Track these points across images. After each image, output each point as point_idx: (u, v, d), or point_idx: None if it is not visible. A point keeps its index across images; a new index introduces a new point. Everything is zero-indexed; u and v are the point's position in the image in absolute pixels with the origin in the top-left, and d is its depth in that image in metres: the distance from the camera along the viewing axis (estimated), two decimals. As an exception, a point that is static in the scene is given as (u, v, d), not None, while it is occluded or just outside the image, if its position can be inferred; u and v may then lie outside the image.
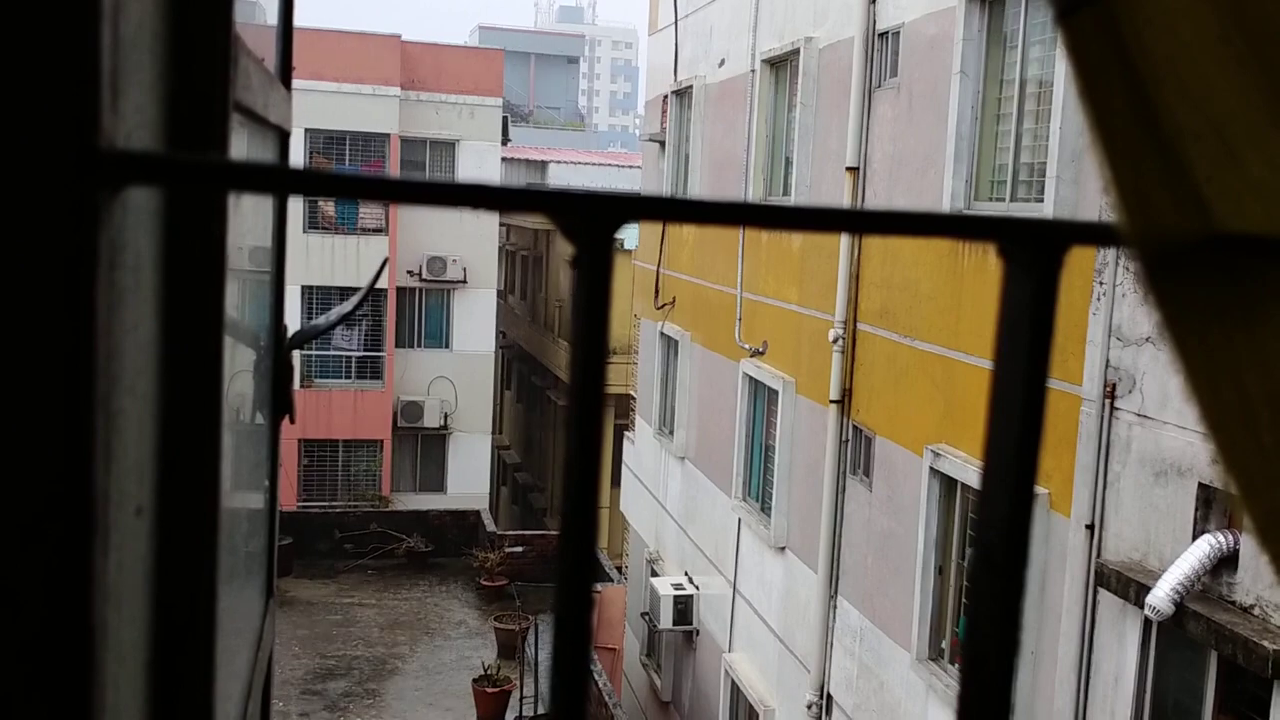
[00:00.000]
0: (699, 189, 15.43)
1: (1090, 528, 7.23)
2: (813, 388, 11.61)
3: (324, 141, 27.27)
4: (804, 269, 11.91)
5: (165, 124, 0.92)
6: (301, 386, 26.18)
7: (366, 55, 27.04)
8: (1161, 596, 6.21)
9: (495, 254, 29.95)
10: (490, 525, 25.36)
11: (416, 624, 21.78)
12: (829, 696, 11.22)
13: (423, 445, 28.71)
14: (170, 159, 0.64)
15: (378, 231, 27.25)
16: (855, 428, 10.79)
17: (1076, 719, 7.32)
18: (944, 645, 9.37)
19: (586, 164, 36.45)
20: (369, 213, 27.31)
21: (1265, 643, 5.74)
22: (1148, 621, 6.63)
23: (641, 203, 0.53)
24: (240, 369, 1.57)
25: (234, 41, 1.09)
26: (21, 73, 0.56)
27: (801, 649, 11.77)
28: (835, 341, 10.89)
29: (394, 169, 27.40)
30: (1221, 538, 6.15)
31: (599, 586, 19.21)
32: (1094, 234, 0.57)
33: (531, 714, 17.68)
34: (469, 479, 28.70)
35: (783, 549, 12.42)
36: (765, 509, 13.03)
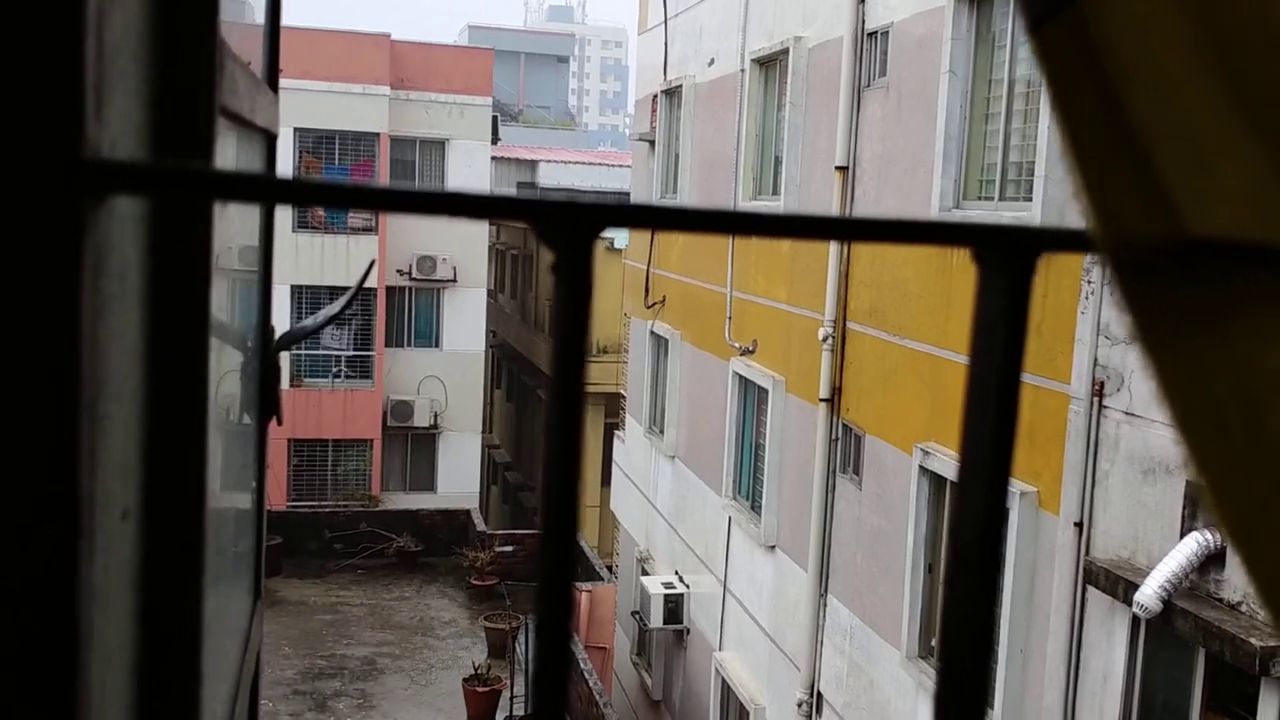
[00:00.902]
0: (689, 188, 15.43)
1: (1079, 525, 7.25)
2: (802, 386, 11.62)
3: (314, 141, 27.21)
4: (794, 268, 11.92)
5: (150, 130, 0.92)
6: (291, 386, 26.11)
7: (356, 54, 26.97)
8: (1150, 594, 6.23)
9: (485, 253, 29.91)
10: (480, 525, 25.30)
11: (407, 623, 21.73)
12: (819, 694, 11.24)
13: (413, 445, 28.67)
14: (155, 169, 0.64)
15: (367, 231, 27.18)
16: (845, 426, 10.81)
17: (1065, 716, 7.34)
18: (934, 643, 9.38)
19: (576, 163, 36.39)
20: (358, 212, 27.22)
21: (1253, 639, 5.76)
22: (1136, 619, 6.65)
23: (620, 211, 0.54)
24: (227, 370, 1.57)
25: (219, 46, 1.09)
26: (5, 82, 0.56)
27: (792, 647, 11.78)
28: (825, 340, 10.90)
29: (384, 168, 27.34)
30: (1209, 535, 6.17)
31: (589, 585, 19.19)
32: (1066, 240, 0.58)
33: (522, 713, 17.66)
34: (459, 478, 28.66)
35: (773, 547, 12.42)
36: (755, 507, 13.04)
